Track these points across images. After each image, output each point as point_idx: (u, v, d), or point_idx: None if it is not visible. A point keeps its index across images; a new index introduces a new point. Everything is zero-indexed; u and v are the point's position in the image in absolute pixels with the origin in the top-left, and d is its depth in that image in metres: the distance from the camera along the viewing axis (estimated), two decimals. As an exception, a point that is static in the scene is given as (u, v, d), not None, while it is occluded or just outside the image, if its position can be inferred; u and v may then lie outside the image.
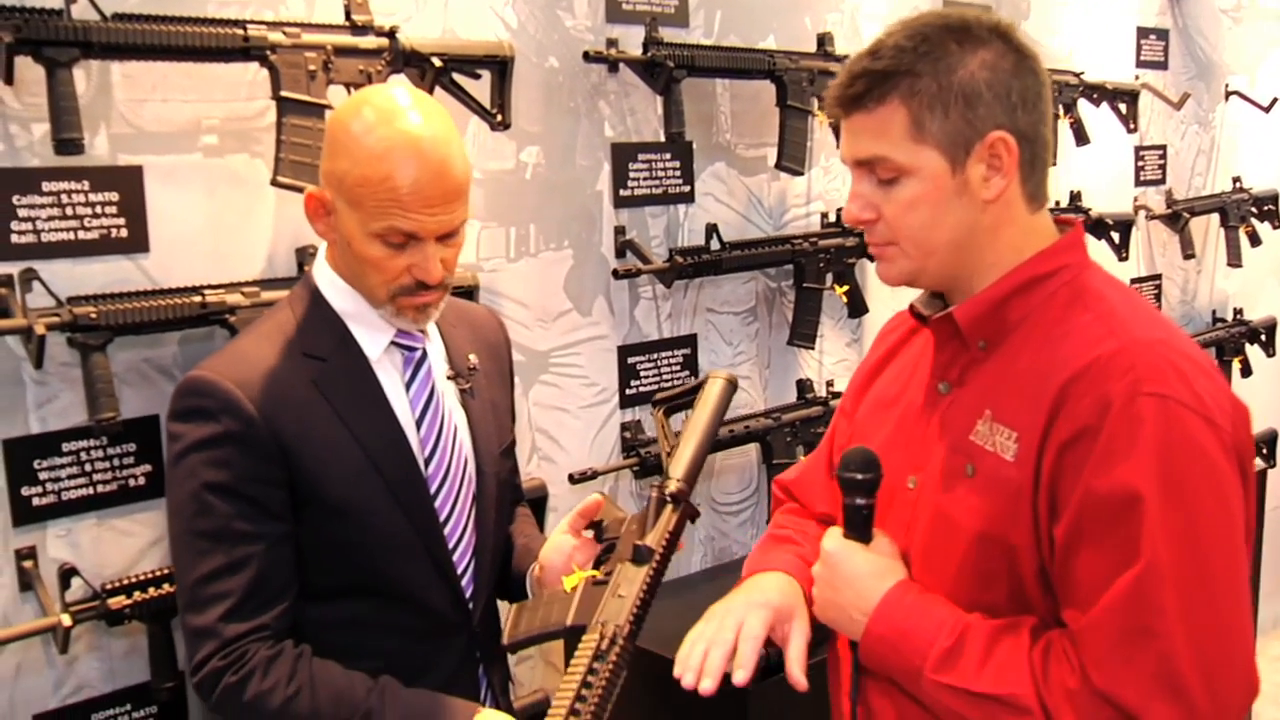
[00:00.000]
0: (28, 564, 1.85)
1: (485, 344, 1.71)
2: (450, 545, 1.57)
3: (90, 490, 1.92)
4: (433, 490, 1.55)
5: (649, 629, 1.50)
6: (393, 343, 1.55)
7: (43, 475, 1.86)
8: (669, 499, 1.50)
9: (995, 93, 1.26)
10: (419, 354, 1.58)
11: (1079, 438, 1.19)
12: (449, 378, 1.62)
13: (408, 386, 1.56)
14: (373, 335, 1.54)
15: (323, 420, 1.48)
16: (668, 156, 2.69)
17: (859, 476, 1.34)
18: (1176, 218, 4.17)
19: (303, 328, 1.52)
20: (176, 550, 1.46)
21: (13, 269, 1.77)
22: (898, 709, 1.34)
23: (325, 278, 1.55)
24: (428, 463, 1.55)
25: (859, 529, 1.36)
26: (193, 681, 1.44)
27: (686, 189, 2.74)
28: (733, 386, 1.63)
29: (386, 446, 1.51)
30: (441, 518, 1.56)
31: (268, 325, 1.54)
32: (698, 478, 1.54)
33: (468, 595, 1.60)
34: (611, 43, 2.50)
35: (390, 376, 1.55)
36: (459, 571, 1.59)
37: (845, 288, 2.95)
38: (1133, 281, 4.20)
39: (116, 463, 1.94)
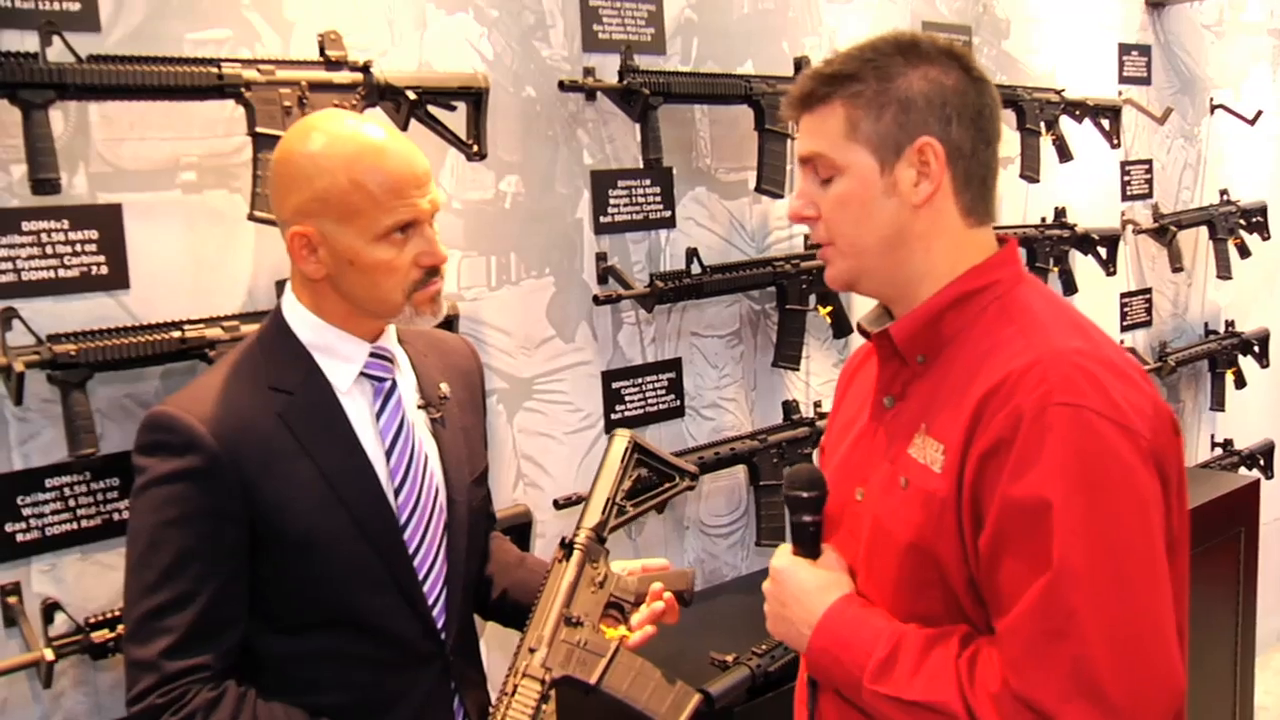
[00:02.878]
0: (12, 599, 1.86)
1: (457, 371, 1.73)
2: (421, 576, 1.58)
3: (74, 525, 1.93)
4: (402, 521, 1.56)
5: (644, 652, 1.62)
6: (362, 374, 1.57)
7: (26, 511, 1.88)
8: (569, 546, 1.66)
9: (930, 103, 1.33)
10: (388, 384, 1.60)
11: (995, 450, 1.22)
12: (420, 407, 1.64)
13: (377, 417, 1.58)
14: (341, 367, 1.56)
15: (287, 454, 1.49)
16: (647, 182, 2.71)
17: (804, 494, 1.39)
18: (1164, 231, 4.18)
19: (270, 361, 1.54)
20: (128, 579, 1.47)
21: (-6, 308, 1.80)
22: (842, 718, 1.36)
23: (294, 311, 1.57)
24: (397, 493, 1.56)
25: (807, 545, 1.42)
26: (129, 712, 1.44)
27: (667, 214, 2.77)
28: (629, 442, 1.78)
29: (352, 479, 1.52)
30: (411, 549, 1.57)
31: (235, 359, 1.56)
32: (604, 520, 1.70)
33: (439, 625, 1.61)
34: (588, 71, 2.53)
35: (359, 408, 1.57)
36: (430, 602, 1.59)
37: (829, 308, 2.97)
38: (1123, 296, 4.22)
39: (100, 497, 1.95)
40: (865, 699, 1.28)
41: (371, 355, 1.57)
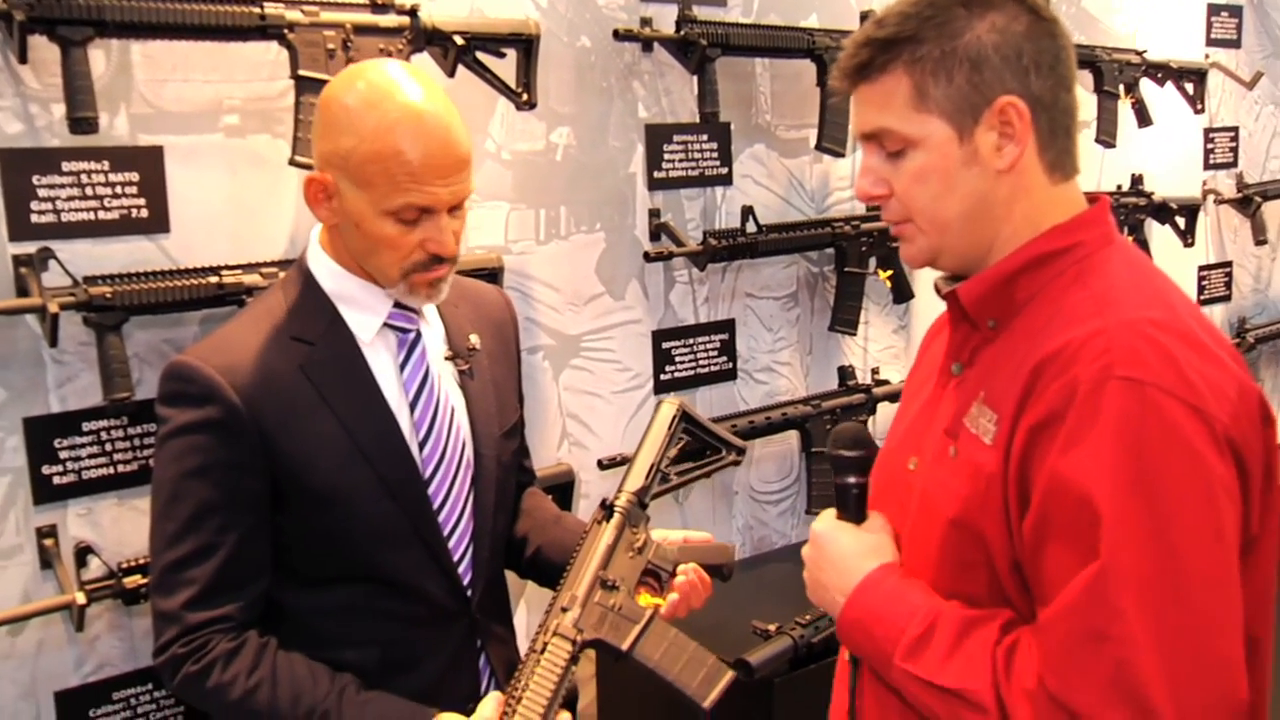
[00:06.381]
0: (48, 542, 1.86)
1: (489, 322, 1.68)
2: (446, 531, 1.54)
3: (111, 470, 1.92)
4: (427, 475, 1.52)
5: (684, 620, 1.57)
6: (386, 324, 1.52)
7: (63, 454, 1.88)
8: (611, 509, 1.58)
9: (1004, 56, 1.19)
10: (413, 335, 1.55)
11: (1046, 423, 1.11)
12: (447, 358, 1.59)
13: (401, 369, 1.53)
14: (365, 318, 1.51)
15: (309, 406, 1.45)
16: (704, 138, 2.63)
17: (848, 454, 1.31)
18: (1248, 202, 4.01)
19: (292, 311, 1.50)
20: (152, 530, 1.45)
21: (33, 248, 1.78)
22: (879, 699, 1.29)
23: (318, 260, 1.52)
24: (422, 446, 1.52)
25: (851, 510, 1.33)
26: (155, 663, 1.44)
27: (724, 171, 2.69)
28: (678, 410, 1.68)
29: (375, 432, 1.48)
30: (436, 504, 1.53)
31: (258, 309, 1.52)
32: (646, 485, 1.61)
33: (465, 582, 1.57)
34: (645, 21, 2.46)
35: (383, 360, 1.52)
36: (455, 558, 1.55)
37: (889, 272, 2.88)
38: (1201, 269, 4.06)
39: (137, 442, 1.94)
40: (894, 677, 1.20)
41: (396, 306, 1.53)
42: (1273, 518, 1.18)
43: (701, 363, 2.71)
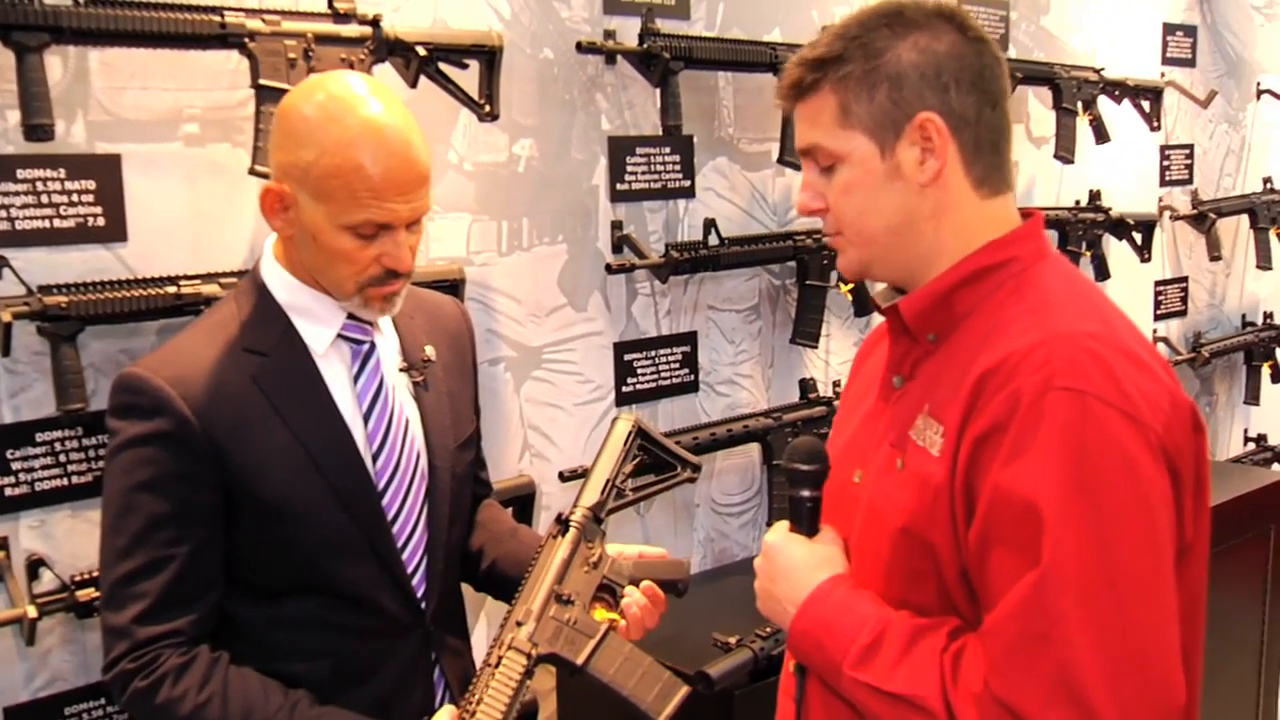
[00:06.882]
0: (-1, 554, 1.84)
1: (445, 333, 1.67)
2: (400, 544, 1.53)
3: (64, 481, 1.90)
4: (380, 487, 1.51)
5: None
6: (340, 336, 1.52)
7: (15, 465, 1.85)
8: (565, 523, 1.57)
9: (923, 74, 1.24)
10: (367, 346, 1.54)
11: (990, 434, 1.14)
12: (402, 369, 1.58)
13: (355, 380, 1.52)
14: (318, 329, 1.50)
15: (261, 418, 1.44)
16: (667, 150, 2.64)
17: (804, 468, 1.33)
18: (1203, 218, 4.08)
19: (245, 323, 1.49)
20: (103, 544, 1.43)
21: (-15, 256, 1.76)
22: (827, 708, 1.30)
23: (272, 271, 1.52)
24: (375, 458, 1.51)
25: (804, 522, 1.35)
26: (104, 679, 1.42)
27: (687, 184, 2.70)
28: (633, 426, 1.67)
29: (328, 444, 1.47)
30: (390, 515, 1.52)
31: (211, 320, 1.51)
32: (602, 500, 1.60)
33: (419, 594, 1.56)
34: (609, 34, 2.46)
35: (336, 371, 1.51)
36: (409, 570, 1.55)
37: (850, 285, 2.90)
38: (1158, 284, 4.12)
39: (91, 454, 1.91)
40: (844, 686, 1.21)
41: (350, 317, 1.52)
42: (1204, 524, 1.22)
43: (663, 375, 2.71)
